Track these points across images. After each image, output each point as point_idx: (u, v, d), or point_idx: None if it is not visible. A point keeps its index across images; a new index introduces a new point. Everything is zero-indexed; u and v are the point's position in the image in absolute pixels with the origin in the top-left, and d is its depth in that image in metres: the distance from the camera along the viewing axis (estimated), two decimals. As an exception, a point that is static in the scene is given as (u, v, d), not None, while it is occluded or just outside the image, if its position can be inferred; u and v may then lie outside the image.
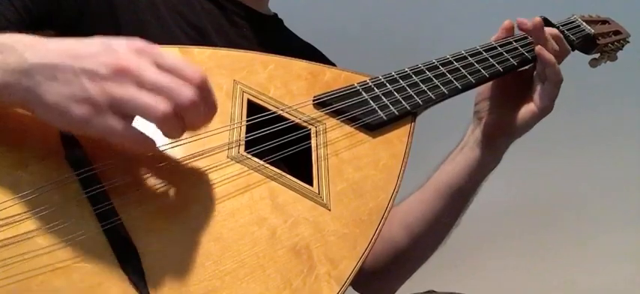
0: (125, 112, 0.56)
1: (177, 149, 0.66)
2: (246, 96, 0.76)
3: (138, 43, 0.59)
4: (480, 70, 0.91)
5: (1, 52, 0.57)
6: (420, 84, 0.87)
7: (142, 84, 0.56)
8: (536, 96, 0.91)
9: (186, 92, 0.57)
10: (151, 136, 0.59)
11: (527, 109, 0.92)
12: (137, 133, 0.58)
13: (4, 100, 0.58)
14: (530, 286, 1.90)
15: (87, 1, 0.82)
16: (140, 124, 0.58)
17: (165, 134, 0.59)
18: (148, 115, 0.56)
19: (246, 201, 0.67)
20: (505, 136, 0.95)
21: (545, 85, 0.91)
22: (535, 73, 0.93)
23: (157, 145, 0.61)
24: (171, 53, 0.60)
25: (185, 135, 0.61)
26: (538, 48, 0.91)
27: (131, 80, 0.56)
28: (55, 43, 0.59)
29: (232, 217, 0.66)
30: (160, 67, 0.58)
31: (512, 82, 0.95)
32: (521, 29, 0.96)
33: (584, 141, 1.88)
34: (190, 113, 0.58)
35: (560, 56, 0.95)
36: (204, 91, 0.59)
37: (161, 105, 0.56)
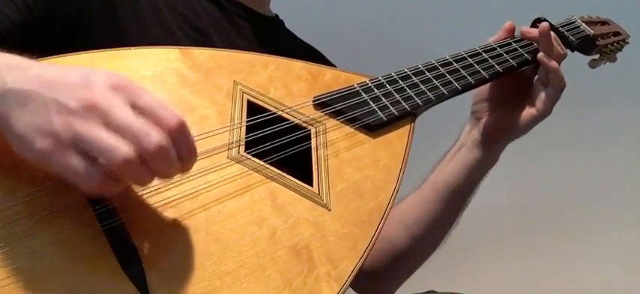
0: (87, 151, 0.53)
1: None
2: (246, 97, 0.77)
3: (117, 78, 0.56)
4: (479, 71, 0.91)
5: None
6: (420, 85, 0.87)
7: (109, 124, 0.53)
8: (537, 100, 0.92)
9: (154, 137, 0.53)
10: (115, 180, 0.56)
11: (527, 112, 0.92)
12: (97, 176, 0.54)
13: None
14: (531, 286, 1.91)
15: (88, 1, 0.82)
16: None
17: (129, 181, 0.56)
18: (108, 158, 0.53)
19: (246, 201, 0.67)
20: (503, 137, 0.95)
21: (547, 90, 0.91)
22: (536, 77, 0.93)
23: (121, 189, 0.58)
24: (151, 93, 0.56)
25: (155, 181, 0.58)
26: (541, 55, 0.91)
27: (98, 118, 0.53)
28: (35, 69, 0.57)
29: (232, 217, 0.66)
30: (135, 106, 0.55)
31: (512, 83, 0.96)
32: (527, 38, 0.96)
33: (584, 141, 1.88)
34: (157, 160, 0.54)
35: (559, 59, 0.95)
36: (179, 136, 0.56)
37: (123, 148, 0.52)
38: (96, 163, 0.53)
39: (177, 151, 0.56)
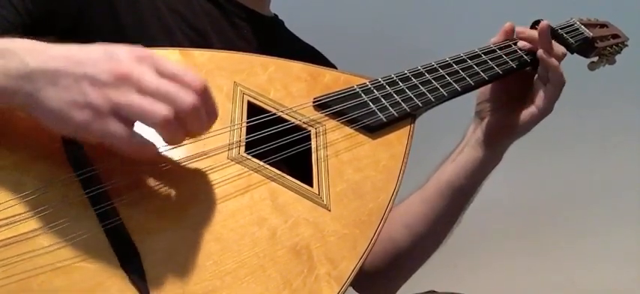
0: (126, 117, 0.57)
1: (178, 150, 0.66)
2: (246, 98, 0.77)
3: (139, 50, 0.59)
4: (479, 73, 0.91)
5: (2, 57, 0.58)
6: (420, 86, 0.87)
7: (142, 90, 0.57)
8: (537, 98, 0.92)
9: (187, 97, 0.58)
10: (151, 141, 0.60)
11: (528, 111, 0.92)
12: (138, 138, 0.58)
13: (5, 104, 0.58)
14: (530, 285, 1.90)
15: (87, 1, 0.82)
16: (141, 130, 0.59)
17: (166, 140, 0.59)
18: (149, 120, 0.57)
19: (246, 201, 0.68)
20: (506, 136, 0.95)
21: (547, 88, 0.92)
22: (536, 75, 0.94)
23: (158, 150, 0.62)
24: (172, 60, 0.61)
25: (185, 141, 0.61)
26: (540, 52, 0.92)
27: (132, 86, 0.57)
28: (56, 49, 0.59)
29: (233, 217, 0.66)
30: (161, 73, 0.59)
31: (514, 83, 0.96)
32: (522, 39, 0.96)
33: (584, 141, 1.88)
34: (191, 118, 0.59)
35: (559, 59, 0.95)
36: (204, 96, 0.60)
37: (162, 110, 0.57)
38: (133, 128, 0.57)
39: (205, 110, 0.60)
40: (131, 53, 0.59)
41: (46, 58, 0.58)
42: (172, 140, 0.60)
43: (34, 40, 0.60)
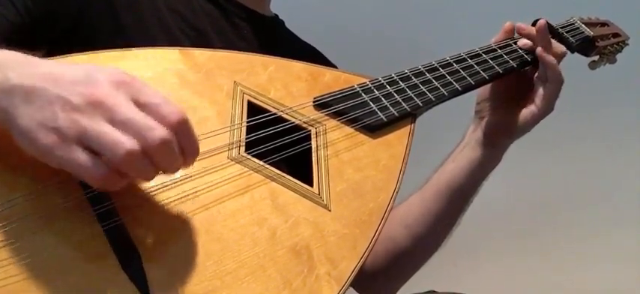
0: (92, 146, 0.54)
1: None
2: (246, 97, 0.77)
3: (121, 75, 0.57)
4: (479, 72, 0.91)
5: None
6: (420, 86, 0.87)
7: (113, 119, 0.54)
8: (537, 97, 0.92)
9: (157, 132, 0.55)
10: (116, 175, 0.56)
11: (528, 110, 0.92)
12: (101, 169, 0.55)
13: None
14: (531, 285, 1.91)
15: (88, 1, 0.82)
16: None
17: (132, 175, 0.57)
18: (112, 152, 0.54)
19: (246, 201, 0.68)
20: (506, 136, 0.95)
21: (546, 87, 0.91)
22: (536, 74, 0.94)
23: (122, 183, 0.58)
24: (154, 90, 0.58)
25: (158, 177, 0.59)
26: (539, 50, 0.92)
27: (102, 114, 0.54)
28: (39, 65, 0.58)
29: (233, 217, 0.66)
30: (138, 102, 0.56)
31: (514, 82, 0.96)
32: (522, 35, 0.96)
33: (584, 141, 1.88)
34: (160, 154, 0.56)
35: (559, 57, 0.95)
36: (182, 131, 0.57)
37: (127, 143, 0.54)
38: (100, 157, 0.54)
39: (180, 146, 0.57)
40: (111, 77, 0.56)
41: (28, 75, 0.56)
42: (140, 176, 0.58)
43: (22, 54, 0.59)
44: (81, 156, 0.54)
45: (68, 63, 0.59)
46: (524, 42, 0.97)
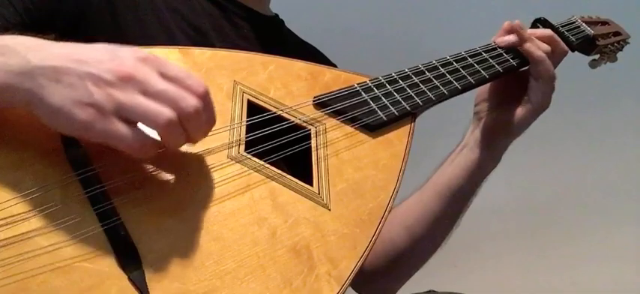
0: (129, 118, 0.57)
1: (177, 150, 0.66)
2: (246, 96, 0.77)
3: (142, 52, 0.59)
4: (479, 71, 0.91)
5: (2, 54, 0.57)
6: (420, 85, 0.87)
7: (146, 91, 0.57)
8: (530, 93, 0.92)
9: (191, 101, 0.58)
10: (154, 141, 0.59)
11: (523, 107, 0.92)
12: (141, 137, 0.58)
13: (5, 102, 0.58)
14: (530, 286, 1.91)
15: (88, 1, 0.82)
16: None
17: (167, 143, 0.59)
18: (153, 122, 0.57)
19: (246, 201, 0.67)
20: (504, 135, 0.95)
21: (538, 82, 0.92)
22: (529, 71, 0.94)
23: (159, 150, 0.61)
24: (175, 63, 0.61)
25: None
26: (526, 45, 0.92)
27: (136, 87, 0.57)
28: (58, 47, 0.59)
29: (233, 216, 0.66)
30: (164, 75, 0.59)
31: (511, 82, 0.96)
32: (503, 46, 0.96)
33: (585, 141, 1.89)
34: (193, 122, 0.59)
35: (558, 56, 0.95)
36: (206, 102, 0.60)
37: (166, 112, 0.57)
38: (136, 127, 0.57)
39: (206, 115, 0.61)
40: (135, 54, 0.59)
41: (48, 56, 0.57)
42: (174, 143, 0.60)
43: (35, 38, 0.60)
44: (122, 127, 0.56)
45: (83, 44, 0.60)
46: (504, 40, 0.96)
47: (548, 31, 0.97)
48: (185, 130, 0.59)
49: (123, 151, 0.59)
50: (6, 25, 0.75)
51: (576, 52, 1.04)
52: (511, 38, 0.95)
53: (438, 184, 0.99)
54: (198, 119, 0.59)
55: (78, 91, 0.56)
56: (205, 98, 0.60)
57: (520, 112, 0.92)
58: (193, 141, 0.62)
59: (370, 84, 0.85)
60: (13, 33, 0.61)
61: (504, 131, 0.95)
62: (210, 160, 0.68)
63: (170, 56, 0.76)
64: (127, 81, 0.57)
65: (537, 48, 0.92)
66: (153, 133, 0.59)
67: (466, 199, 0.99)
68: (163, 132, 0.58)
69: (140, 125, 0.58)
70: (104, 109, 0.56)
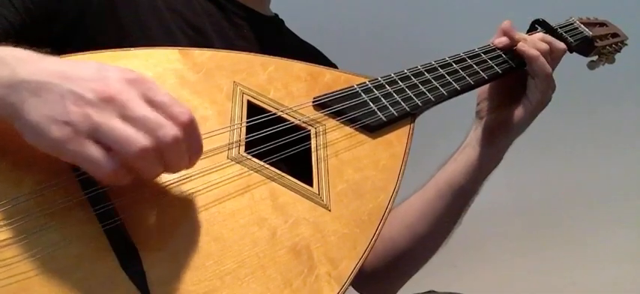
0: (103, 141, 0.55)
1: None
2: (246, 97, 0.77)
3: (131, 74, 0.58)
4: (478, 72, 0.92)
5: None
6: (419, 85, 0.87)
7: (125, 115, 0.55)
8: (529, 92, 0.93)
9: (169, 130, 0.56)
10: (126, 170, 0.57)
11: (523, 106, 0.93)
12: (112, 164, 0.55)
13: None
14: (531, 286, 1.91)
15: (88, 1, 0.82)
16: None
17: (141, 172, 0.57)
18: (125, 148, 0.54)
19: (246, 201, 0.68)
20: (504, 134, 0.95)
21: (535, 81, 0.92)
22: (527, 70, 0.94)
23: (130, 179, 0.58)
24: (164, 89, 0.59)
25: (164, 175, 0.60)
26: (519, 45, 0.93)
27: (115, 110, 0.55)
28: (48, 62, 0.58)
29: (233, 217, 0.66)
30: (149, 101, 0.57)
31: (511, 81, 0.96)
32: (500, 48, 0.96)
33: (585, 141, 1.89)
34: (170, 153, 0.57)
35: (556, 54, 0.95)
36: (189, 131, 0.58)
37: (140, 140, 0.55)
38: (110, 152, 0.55)
39: (188, 145, 0.58)
40: (122, 75, 0.57)
41: (36, 70, 0.56)
42: (148, 173, 0.58)
43: (28, 50, 0.59)
44: (93, 150, 0.54)
45: (74, 59, 0.59)
46: (499, 41, 0.97)
47: (540, 34, 0.97)
48: (162, 159, 0.57)
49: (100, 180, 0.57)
50: (6, 25, 0.75)
51: (575, 53, 1.04)
52: (503, 39, 0.96)
53: (440, 182, 0.99)
54: (176, 149, 0.57)
55: (56, 108, 0.54)
56: (190, 127, 0.58)
57: (520, 110, 0.93)
58: (172, 172, 0.60)
59: (370, 85, 0.85)
60: (8, 43, 0.60)
61: (505, 130, 0.95)
62: (210, 161, 0.68)
63: (170, 56, 0.76)
64: (108, 102, 0.55)
65: (531, 47, 0.93)
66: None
67: (467, 198, 0.99)
68: (135, 159, 0.55)
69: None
70: (78, 128, 0.54)
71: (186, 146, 0.58)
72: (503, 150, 0.97)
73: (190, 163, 0.60)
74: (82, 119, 0.54)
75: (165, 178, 0.64)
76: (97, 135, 0.54)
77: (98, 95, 0.55)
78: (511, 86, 0.96)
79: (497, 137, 0.96)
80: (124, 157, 0.55)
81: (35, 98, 0.55)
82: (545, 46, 0.94)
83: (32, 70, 0.56)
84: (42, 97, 0.55)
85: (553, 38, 0.97)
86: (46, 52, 0.60)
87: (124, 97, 0.55)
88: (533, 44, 0.93)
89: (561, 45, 0.97)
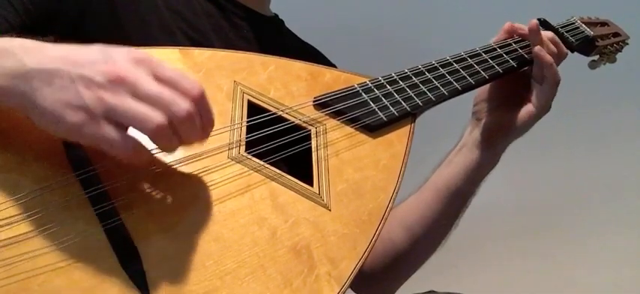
0: (119, 121, 0.56)
1: (178, 150, 0.66)
2: (246, 97, 0.77)
3: (137, 53, 0.59)
4: (479, 72, 0.91)
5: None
6: (420, 85, 0.87)
7: (137, 94, 0.56)
8: (534, 97, 0.92)
9: (183, 104, 0.57)
10: (145, 146, 0.59)
11: (525, 110, 0.92)
12: (131, 143, 0.57)
13: (2, 104, 0.58)
14: (530, 286, 1.90)
15: (88, 1, 0.82)
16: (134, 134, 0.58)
17: (159, 147, 0.59)
18: (142, 126, 0.56)
19: (246, 201, 0.68)
20: (504, 136, 0.95)
21: (543, 86, 0.92)
22: (532, 74, 0.94)
23: (151, 155, 0.61)
24: (170, 65, 0.59)
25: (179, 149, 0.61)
26: (537, 49, 0.92)
27: (127, 90, 0.56)
28: (54, 49, 0.59)
29: (233, 217, 0.66)
30: (158, 78, 0.58)
31: (511, 83, 0.96)
32: (518, 34, 0.97)
33: (584, 141, 1.88)
34: (185, 126, 0.58)
35: (559, 58, 0.95)
36: (201, 105, 0.59)
37: (156, 116, 0.56)
38: (126, 132, 0.56)
39: (200, 118, 0.59)
40: (128, 55, 0.58)
41: (43, 58, 0.57)
42: (166, 147, 0.60)
43: (32, 40, 0.60)
44: (111, 131, 0.55)
45: (79, 45, 0.59)
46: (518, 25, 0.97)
47: (550, 34, 0.97)
48: (178, 134, 0.58)
49: (116, 159, 0.59)
50: (6, 26, 0.75)
51: (576, 52, 1.04)
52: (523, 33, 0.95)
53: (438, 184, 0.99)
54: (191, 123, 0.58)
55: (69, 93, 0.55)
56: (201, 100, 0.59)
57: (522, 114, 0.92)
58: (188, 144, 0.61)
59: (370, 84, 0.85)
60: (11, 35, 0.61)
61: (505, 133, 0.95)
62: (210, 161, 0.68)
63: (170, 56, 0.76)
64: (119, 83, 0.56)
65: (547, 53, 0.92)
66: (144, 137, 0.58)
67: (465, 199, 0.99)
68: (153, 136, 0.57)
69: (132, 129, 0.57)
70: (94, 112, 0.55)
71: (198, 118, 0.59)
72: (501, 151, 0.97)
73: (204, 135, 0.61)
74: (96, 102, 0.55)
75: (166, 178, 0.64)
76: (113, 116, 0.56)
77: (108, 77, 0.56)
78: (511, 88, 0.96)
79: (496, 139, 0.95)
80: (143, 134, 0.56)
81: (46, 86, 0.56)
82: (555, 50, 0.94)
83: (39, 59, 0.57)
84: (53, 84, 0.56)
85: (560, 41, 0.97)
86: (52, 41, 0.61)
87: (134, 76, 0.56)
88: (547, 49, 0.93)
89: (566, 50, 0.97)
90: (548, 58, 0.91)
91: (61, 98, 0.55)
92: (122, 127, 0.56)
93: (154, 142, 0.58)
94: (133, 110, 0.56)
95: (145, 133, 0.56)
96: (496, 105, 0.96)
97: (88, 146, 0.59)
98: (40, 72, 0.56)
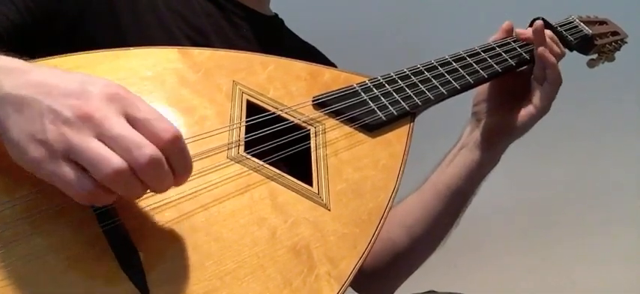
0: (78, 161, 0.53)
1: None
2: (245, 97, 0.77)
3: (115, 88, 0.56)
4: (478, 71, 0.91)
5: None
6: (419, 84, 0.87)
7: (101, 135, 0.53)
8: (534, 97, 0.92)
9: (146, 150, 0.53)
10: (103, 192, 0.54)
11: (526, 110, 0.92)
12: (87, 186, 0.53)
13: None
14: (530, 285, 1.91)
15: (88, 1, 0.82)
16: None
17: (119, 193, 0.55)
18: (96, 169, 0.52)
19: (246, 201, 0.67)
20: (504, 137, 0.95)
21: (544, 86, 0.92)
22: (533, 74, 0.94)
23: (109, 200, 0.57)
24: (148, 105, 0.56)
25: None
26: (541, 50, 0.91)
27: (91, 128, 0.53)
28: (35, 73, 0.56)
29: (232, 217, 0.66)
30: (130, 118, 0.55)
31: (511, 82, 0.96)
32: (522, 39, 0.96)
33: (584, 141, 1.89)
34: (148, 173, 0.54)
35: (557, 58, 0.95)
36: (173, 149, 0.55)
37: (114, 160, 0.52)
38: (87, 173, 0.53)
39: (171, 165, 0.56)
40: (104, 89, 0.55)
41: (22, 83, 0.55)
42: (126, 193, 0.55)
43: (17, 60, 0.58)
44: (67, 171, 0.53)
45: (63, 71, 0.57)
46: (521, 31, 0.97)
47: (549, 33, 0.97)
48: (140, 180, 0.54)
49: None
50: (8, 24, 0.75)
51: (575, 51, 1.04)
52: (527, 33, 0.95)
53: (437, 184, 0.99)
54: (154, 170, 0.54)
55: (35, 126, 0.53)
56: (173, 145, 0.55)
57: (523, 114, 0.92)
58: (157, 192, 0.57)
59: (369, 84, 0.85)
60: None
61: (505, 133, 0.95)
62: (209, 161, 0.68)
63: (169, 56, 0.76)
64: (85, 121, 0.53)
65: (551, 54, 0.92)
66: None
67: (465, 199, 0.99)
68: (107, 181, 0.53)
69: None
70: (54, 148, 0.53)
71: (169, 164, 0.55)
72: (502, 151, 0.97)
73: (177, 183, 0.58)
74: (57, 138, 0.53)
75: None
76: (72, 155, 0.53)
77: (76, 112, 0.53)
78: (511, 88, 0.96)
79: (496, 140, 0.95)
80: (98, 178, 0.53)
81: (17, 114, 0.54)
82: (558, 51, 0.94)
83: (17, 83, 0.55)
84: (23, 113, 0.54)
85: (559, 41, 0.97)
86: (41, 56, 0.59)
87: (102, 115, 0.53)
88: (550, 50, 0.93)
89: (564, 50, 0.97)
90: (553, 59, 0.91)
91: (27, 129, 0.53)
92: (80, 168, 0.53)
93: (110, 186, 0.53)
94: (91, 151, 0.52)
95: (100, 177, 0.52)
96: (496, 105, 0.96)
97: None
98: (15, 98, 0.54)
